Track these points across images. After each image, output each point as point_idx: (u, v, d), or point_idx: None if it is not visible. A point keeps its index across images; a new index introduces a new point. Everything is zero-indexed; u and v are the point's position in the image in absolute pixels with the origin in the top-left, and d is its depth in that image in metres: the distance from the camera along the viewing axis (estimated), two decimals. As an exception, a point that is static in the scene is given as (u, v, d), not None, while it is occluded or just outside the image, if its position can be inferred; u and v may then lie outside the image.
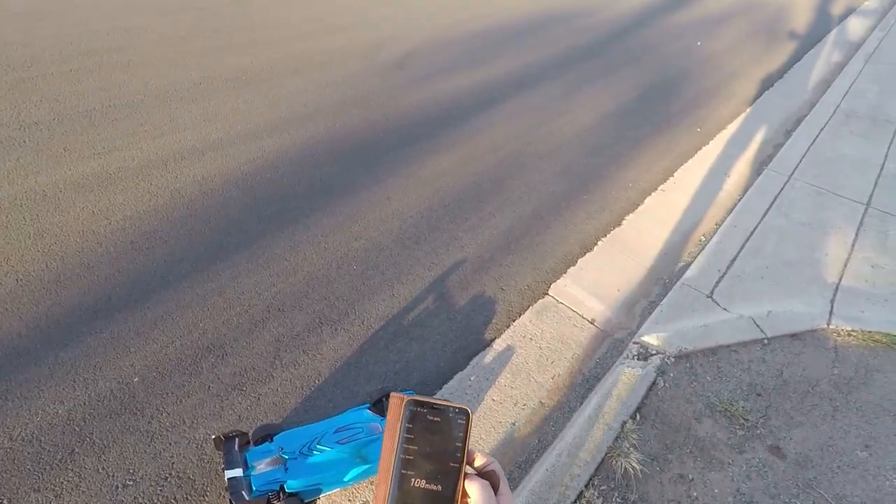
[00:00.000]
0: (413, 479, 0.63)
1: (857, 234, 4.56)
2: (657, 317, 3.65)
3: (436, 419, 0.66)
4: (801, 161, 5.63)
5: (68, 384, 2.76)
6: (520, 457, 2.82)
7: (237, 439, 2.44)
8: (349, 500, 2.51)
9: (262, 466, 2.37)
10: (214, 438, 2.41)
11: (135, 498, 2.38)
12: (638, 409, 2.98)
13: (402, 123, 5.46)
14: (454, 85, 6.47)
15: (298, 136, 4.97)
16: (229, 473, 2.29)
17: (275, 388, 2.89)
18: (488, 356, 3.27)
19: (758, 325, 3.53)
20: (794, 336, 3.52)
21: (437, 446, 0.64)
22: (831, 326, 3.59)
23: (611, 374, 3.20)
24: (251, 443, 2.51)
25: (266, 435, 2.53)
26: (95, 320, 3.08)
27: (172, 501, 2.39)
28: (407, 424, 0.65)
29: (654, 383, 3.11)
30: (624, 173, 5.21)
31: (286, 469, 2.37)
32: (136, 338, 3.03)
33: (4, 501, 2.32)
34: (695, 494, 2.65)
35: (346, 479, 2.45)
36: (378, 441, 2.58)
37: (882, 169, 5.65)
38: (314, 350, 3.13)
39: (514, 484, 2.66)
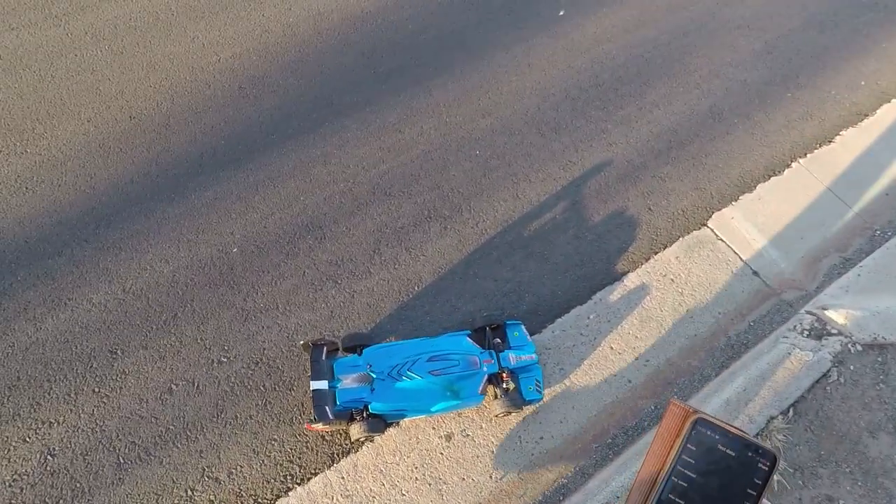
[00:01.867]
0: None
1: None
2: (850, 282, 2.80)
3: (728, 451, 0.56)
4: None
5: (173, 243, 2.68)
6: (629, 421, 2.44)
7: (325, 348, 2.26)
8: (433, 428, 2.33)
9: (348, 381, 2.20)
10: (302, 344, 2.25)
11: (228, 377, 2.37)
12: (794, 403, 2.39)
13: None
14: None
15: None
16: (315, 384, 2.15)
17: (371, 287, 2.64)
18: (616, 292, 2.73)
19: None
20: None
21: (722, 482, 0.55)
22: None
23: (768, 348, 2.57)
24: (340, 350, 2.33)
25: (355, 345, 2.33)
26: (200, 175, 2.90)
27: (261, 388, 2.35)
28: (689, 445, 0.56)
29: (825, 374, 2.45)
30: (858, 62, 3.79)
31: (373, 389, 2.19)
32: (238, 203, 2.83)
33: (118, 352, 2.41)
34: (840, 520, 2.17)
35: (433, 410, 2.25)
36: (476, 378, 2.30)
37: None
38: (418, 249, 2.78)
39: (618, 457, 2.32)
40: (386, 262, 2.72)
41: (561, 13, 3.82)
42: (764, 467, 0.56)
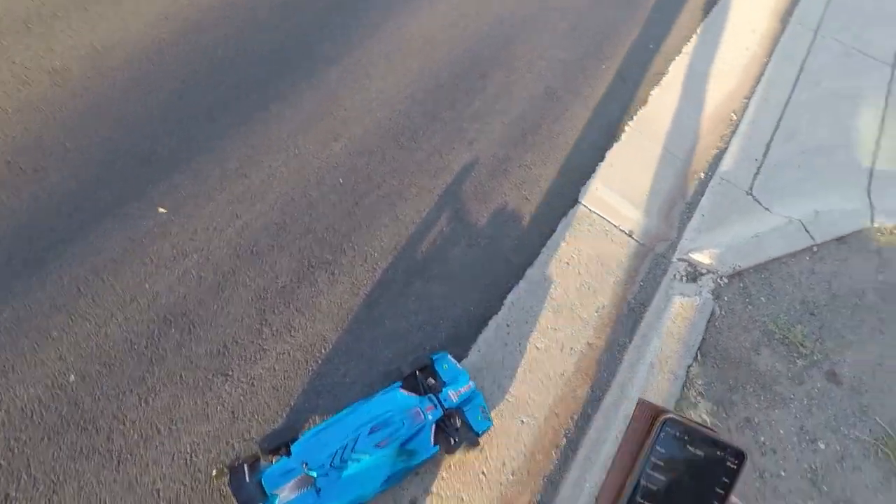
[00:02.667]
0: None
1: (886, 104, 4.12)
2: (698, 224, 3.17)
3: (698, 452, 0.53)
4: (824, 12, 4.90)
5: None
6: (575, 413, 2.45)
7: (245, 467, 1.83)
8: (394, 499, 2.06)
9: (286, 493, 1.81)
10: (215, 475, 1.79)
11: None
12: (699, 347, 2.63)
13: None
14: None
15: (221, -23, 3.53)
16: (248, 517, 1.73)
17: (271, 367, 2.22)
18: (524, 291, 2.71)
19: (807, 231, 3.15)
20: (840, 240, 3.20)
21: (691, 484, 0.53)
22: (875, 225, 3.29)
23: (662, 303, 2.78)
24: (262, 459, 1.91)
25: (279, 445, 1.94)
26: None
27: None
28: (658, 447, 0.53)
29: (711, 313, 2.74)
30: (643, 30, 4.28)
31: (318, 490, 1.84)
32: (56, 315, 2.16)
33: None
34: (762, 439, 2.45)
35: (391, 483, 1.98)
36: (424, 431, 2.08)
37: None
38: (311, 306, 2.42)
39: (577, 452, 2.31)
40: (279, 332, 2.31)
41: None
42: (733, 466, 0.53)
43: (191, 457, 1.95)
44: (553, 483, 2.25)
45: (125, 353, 2.12)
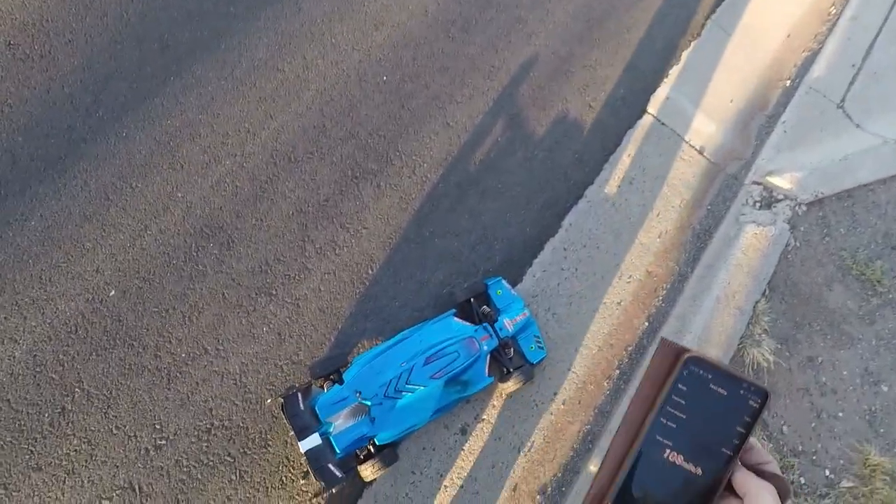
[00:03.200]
0: (668, 451, 0.52)
1: None
2: (779, 141, 2.83)
3: (720, 390, 0.52)
4: None
5: (10, 313, 1.85)
6: (630, 345, 2.34)
7: (298, 395, 1.76)
8: (445, 427, 2.03)
9: (340, 421, 1.77)
10: (269, 403, 1.72)
11: (176, 461, 1.79)
12: (769, 281, 2.44)
13: None
14: None
15: None
16: (304, 444, 1.69)
17: (316, 288, 2.09)
18: (583, 212, 2.48)
19: (901, 153, 2.81)
20: (936, 165, 2.87)
21: (712, 423, 0.52)
22: (977, 148, 2.92)
23: (731, 231, 2.55)
24: (314, 386, 1.85)
25: (331, 372, 1.86)
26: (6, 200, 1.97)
27: (227, 459, 1.83)
28: (679, 385, 0.53)
29: (786, 245, 2.52)
30: None
31: (373, 419, 1.79)
32: (86, 225, 2.00)
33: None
34: (823, 380, 2.35)
35: (444, 412, 1.94)
36: (479, 362, 1.99)
37: None
38: (356, 222, 2.23)
39: (630, 384, 2.24)
40: (323, 250, 2.15)
41: None
42: (755, 405, 0.52)
43: (240, 377, 1.89)
44: (603, 414, 2.20)
45: (164, 268, 1.99)
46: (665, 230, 2.57)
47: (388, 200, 2.29)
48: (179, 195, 2.10)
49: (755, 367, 2.27)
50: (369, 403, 1.80)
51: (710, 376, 0.53)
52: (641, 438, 0.53)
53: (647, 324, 2.39)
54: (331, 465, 1.69)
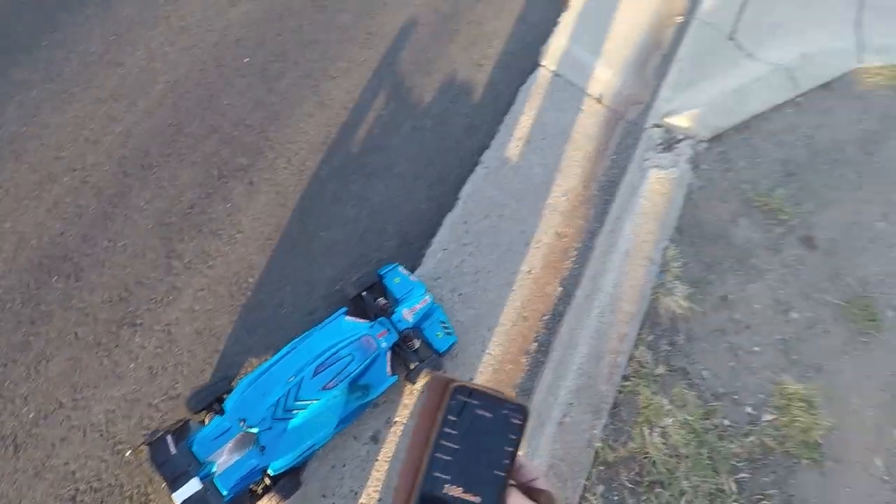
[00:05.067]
0: (447, 486, 0.52)
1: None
2: (676, 79, 2.76)
3: (486, 414, 0.54)
4: None
5: None
6: (546, 314, 2.25)
7: (168, 437, 1.55)
8: (354, 437, 1.88)
9: (224, 458, 1.58)
10: (129, 454, 1.51)
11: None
12: (675, 225, 2.39)
13: None
14: None
15: None
16: (179, 496, 1.48)
17: (188, 309, 1.86)
18: (481, 180, 2.33)
19: (792, 79, 2.80)
20: (825, 86, 2.88)
21: (483, 448, 0.54)
22: (862, 65, 2.95)
23: (636, 179, 2.48)
24: (191, 422, 1.64)
25: (211, 402, 1.66)
26: None
27: (105, 515, 1.62)
28: (449, 416, 0.53)
29: (689, 186, 2.47)
30: None
31: (262, 448, 1.61)
32: None
33: None
34: (737, 316, 2.35)
35: (346, 423, 1.78)
36: (379, 361, 1.83)
37: None
38: (227, 227, 1.99)
39: (549, 356, 2.15)
40: (193, 264, 1.91)
41: None
42: (518, 422, 0.54)
43: (106, 427, 1.66)
44: (525, 392, 2.11)
45: (-1, 314, 1.71)
46: (570, 187, 2.46)
47: (264, 197, 2.06)
48: (7, 226, 1.80)
49: (670, 315, 2.24)
50: (256, 430, 1.62)
51: (475, 402, 0.54)
52: (421, 478, 0.52)
53: (560, 289, 2.30)
54: (215, 509, 1.51)
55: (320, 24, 2.36)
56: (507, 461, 0.54)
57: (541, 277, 2.29)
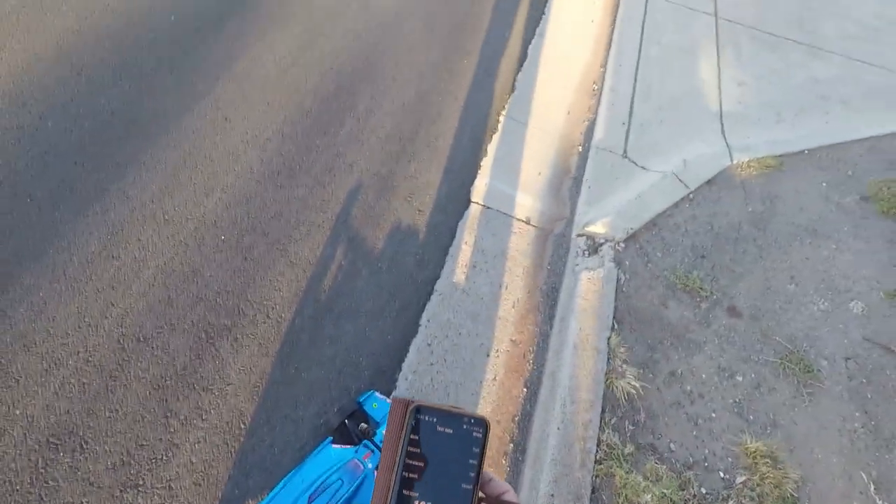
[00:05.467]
0: (416, 502, 0.53)
1: (717, 51, 4.52)
2: (587, 196, 3.30)
3: (447, 430, 0.56)
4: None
5: None
6: (515, 414, 2.46)
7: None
8: (354, 562, 1.95)
9: None
10: None
11: None
12: (614, 316, 2.73)
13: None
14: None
15: (44, 40, 3.14)
16: None
17: (187, 461, 2.02)
18: (437, 306, 2.67)
19: (681, 181, 3.38)
20: (709, 182, 3.47)
21: (448, 463, 0.55)
22: (734, 162, 3.60)
23: (571, 282, 2.86)
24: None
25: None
26: None
27: None
28: (412, 436, 0.55)
29: (617, 280, 2.86)
30: (496, 19, 4.37)
31: (267, 583, 1.70)
32: None
33: None
34: (688, 388, 2.59)
35: (344, 545, 1.87)
36: (367, 481, 1.98)
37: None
38: (218, 382, 2.23)
39: (526, 454, 2.32)
40: (189, 420, 2.11)
41: (172, 18, 3.42)
42: (479, 435, 0.56)
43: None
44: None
45: (5, 500, 1.83)
46: (517, 299, 2.82)
47: (248, 350, 2.33)
48: (17, 412, 2.00)
49: (627, 397, 2.47)
50: (260, 567, 1.71)
51: (435, 419, 0.56)
52: (392, 499, 0.54)
53: (525, 390, 2.54)
54: None
55: (282, 199, 2.84)
56: (473, 474, 0.55)
57: (505, 382, 2.53)
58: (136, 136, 2.90)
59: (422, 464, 0.55)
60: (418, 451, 0.55)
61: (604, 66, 4.25)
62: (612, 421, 2.40)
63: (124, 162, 2.80)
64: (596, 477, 2.24)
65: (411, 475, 0.54)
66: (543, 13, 4.54)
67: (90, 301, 2.33)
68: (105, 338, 2.25)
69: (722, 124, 3.89)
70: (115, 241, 2.53)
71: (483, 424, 0.56)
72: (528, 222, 3.14)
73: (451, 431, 0.56)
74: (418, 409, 0.56)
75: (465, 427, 0.56)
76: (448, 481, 0.55)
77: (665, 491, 2.25)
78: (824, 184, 3.60)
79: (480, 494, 0.57)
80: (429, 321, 2.61)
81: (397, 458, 0.55)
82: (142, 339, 2.28)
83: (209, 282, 2.50)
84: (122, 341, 2.26)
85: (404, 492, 0.54)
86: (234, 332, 2.37)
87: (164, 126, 2.97)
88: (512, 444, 2.36)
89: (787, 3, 5.22)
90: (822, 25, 4.94)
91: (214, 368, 2.26)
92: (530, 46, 4.21)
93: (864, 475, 2.43)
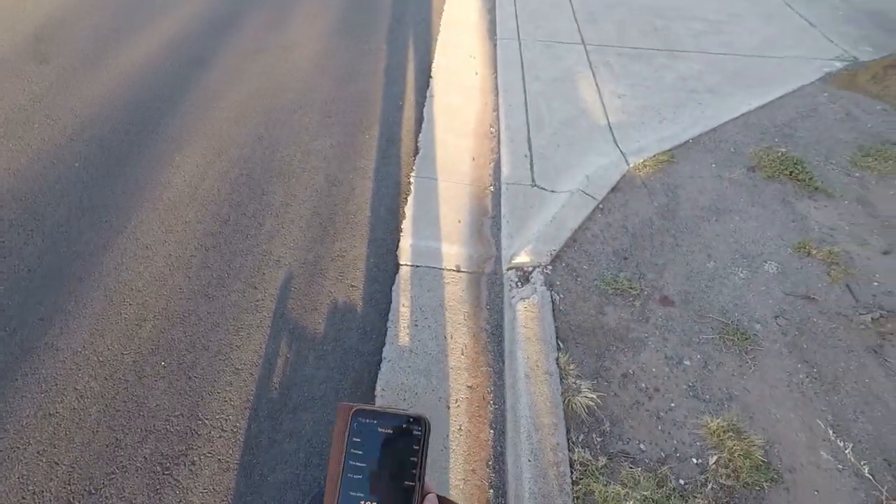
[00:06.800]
0: (362, 503, 0.55)
1: (593, 73, 4.96)
2: (508, 230, 3.47)
3: (388, 431, 0.58)
4: (517, 23, 5.79)
5: None
6: (488, 459, 2.48)
7: None
8: None
9: None
10: None
11: None
12: (557, 338, 2.84)
13: (94, 132, 3.86)
14: (125, 60, 4.80)
15: (-69, 220, 3.12)
16: None
17: None
18: (388, 373, 2.71)
19: (588, 194, 3.62)
20: (614, 190, 3.73)
21: (390, 462, 0.57)
22: (631, 165, 3.89)
23: (511, 315, 2.97)
24: None
25: None
26: None
27: None
28: (354, 439, 0.58)
29: (552, 301, 2.99)
30: (387, 92, 4.66)
31: None
32: None
33: None
34: (643, 385, 2.69)
35: None
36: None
37: (571, 6, 6.18)
38: (182, 511, 2.16)
39: (504, 493, 2.33)
40: (156, 563, 2.02)
41: (76, 164, 3.49)
42: (418, 433, 0.59)
43: None
44: (499, 536, 2.23)
45: None
46: (464, 345, 2.89)
47: (208, 470, 2.28)
48: None
49: (587, 410, 2.54)
50: None
51: (376, 421, 0.59)
52: (338, 500, 0.56)
53: (492, 431, 2.57)
54: None
55: (216, 310, 2.86)
56: (415, 471, 0.57)
57: (472, 430, 2.56)
58: (56, 287, 2.88)
59: (365, 464, 0.57)
60: (360, 452, 0.58)
61: (496, 109, 4.56)
62: (580, 438, 2.46)
63: (48, 315, 2.77)
64: (576, 498, 2.26)
65: (356, 476, 0.57)
66: (430, 76, 4.88)
67: (31, 467, 2.25)
68: (53, 502, 2.16)
69: (613, 135, 4.22)
70: (49, 398, 2.46)
71: (423, 423, 0.59)
72: (458, 270, 3.26)
73: (391, 432, 0.58)
74: (359, 412, 0.59)
75: (404, 426, 0.59)
76: (391, 479, 0.57)
77: (645, 493, 2.29)
78: (714, 164, 3.94)
79: (425, 488, 0.59)
80: (384, 389, 2.63)
81: (342, 462, 0.57)
82: (92, 490, 2.19)
83: (155, 411, 2.45)
84: (72, 500, 2.17)
85: (350, 492, 0.56)
86: (189, 456, 2.32)
87: (84, 269, 2.98)
88: (492, 491, 2.37)
89: (639, 18, 5.83)
90: (673, 30, 5.52)
91: (176, 499, 2.19)
92: (424, 108, 4.49)
93: (820, 422, 2.56)
